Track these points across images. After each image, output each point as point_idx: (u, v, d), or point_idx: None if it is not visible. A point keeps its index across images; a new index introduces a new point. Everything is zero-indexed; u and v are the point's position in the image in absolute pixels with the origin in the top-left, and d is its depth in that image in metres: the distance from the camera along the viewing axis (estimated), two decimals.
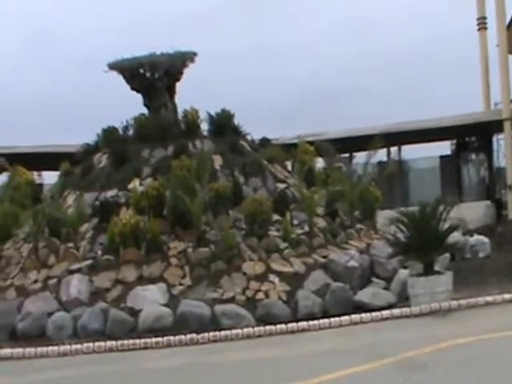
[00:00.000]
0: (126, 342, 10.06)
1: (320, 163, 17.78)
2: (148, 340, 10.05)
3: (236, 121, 16.28)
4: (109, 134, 16.00)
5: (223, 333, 10.22)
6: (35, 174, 24.12)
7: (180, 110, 16.19)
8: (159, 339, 10.03)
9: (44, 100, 48.81)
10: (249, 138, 16.60)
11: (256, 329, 10.35)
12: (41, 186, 20.65)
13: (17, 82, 51.36)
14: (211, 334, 10.17)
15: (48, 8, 56.56)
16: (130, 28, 54.08)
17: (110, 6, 55.70)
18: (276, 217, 13.33)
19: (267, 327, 10.37)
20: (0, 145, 22.62)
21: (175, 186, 12.91)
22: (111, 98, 27.39)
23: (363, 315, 10.70)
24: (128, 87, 16.17)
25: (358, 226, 14.33)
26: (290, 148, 17.43)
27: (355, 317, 10.65)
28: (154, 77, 16.02)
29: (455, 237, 13.67)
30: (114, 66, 16.08)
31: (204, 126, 16.09)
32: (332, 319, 10.61)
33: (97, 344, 10.08)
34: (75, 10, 60.04)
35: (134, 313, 11.04)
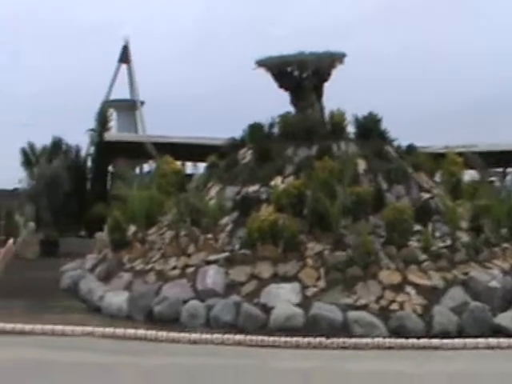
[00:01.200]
0: (254, 337, 10.10)
1: (468, 176, 17.09)
2: (277, 339, 10.02)
3: (383, 125, 15.96)
4: (254, 130, 16.16)
5: (353, 340, 10.02)
6: (187, 164, 25.13)
7: (326, 111, 16.10)
8: (288, 339, 9.98)
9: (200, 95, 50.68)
10: (395, 143, 16.19)
11: (387, 340, 10.06)
12: (191, 176, 21.30)
13: (182, 79, 53.66)
14: (341, 340, 9.98)
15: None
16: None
17: None
18: (417, 227, 12.91)
19: (399, 340, 10.05)
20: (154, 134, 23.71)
21: (316, 187, 12.85)
22: (259, 96, 27.85)
23: (501, 340, 10.12)
24: (275, 85, 16.32)
25: (504, 244, 13.56)
26: (437, 158, 16.87)
27: (492, 340, 10.08)
28: (301, 76, 16.05)
29: None
30: (262, 64, 16.24)
31: (350, 129, 15.91)
32: (467, 340, 10.11)
33: (226, 336, 10.20)
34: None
35: (267, 309, 11.07)
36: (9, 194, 28.15)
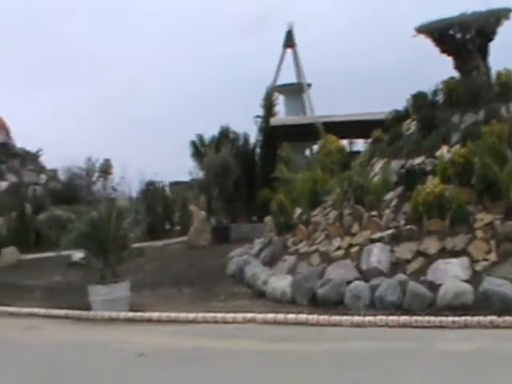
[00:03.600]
0: (420, 318, 9.47)
1: None
2: (443, 318, 9.30)
3: None
4: (418, 99, 15.35)
5: None
6: (348, 141, 24.71)
7: (493, 72, 14.91)
8: (456, 318, 9.22)
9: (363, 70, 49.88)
10: None
11: None
12: (356, 153, 20.88)
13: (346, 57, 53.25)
14: None
15: None
16: None
17: None
18: None
19: None
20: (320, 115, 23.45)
21: (484, 153, 11.86)
22: (421, 65, 26.62)
23: None
24: (437, 51, 15.38)
25: None
26: None
27: None
28: (464, 38, 14.94)
29: None
30: (422, 29, 15.35)
31: None
32: None
33: (390, 318, 9.66)
34: None
35: (434, 287, 10.35)
36: (186, 185, 29.26)
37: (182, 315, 10.92)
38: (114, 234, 12.13)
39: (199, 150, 25.07)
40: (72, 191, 32.72)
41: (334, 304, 10.90)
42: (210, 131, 26.16)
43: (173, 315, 11.00)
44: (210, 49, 69.45)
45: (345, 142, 24.84)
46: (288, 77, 37.56)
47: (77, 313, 11.86)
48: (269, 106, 26.65)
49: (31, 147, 39.27)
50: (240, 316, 10.60)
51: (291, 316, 10.29)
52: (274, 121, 26.13)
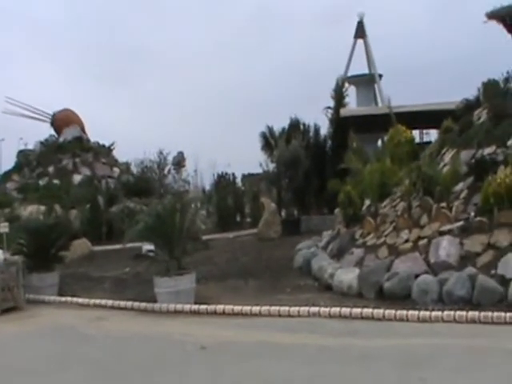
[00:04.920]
0: (489, 313, 9.17)
1: None
2: None
3: None
4: (489, 88, 14.86)
5: None
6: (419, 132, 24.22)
7: None
8: None
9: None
10: None
11: None
12: (427, 143, 20.48)
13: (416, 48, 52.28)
14: None
15: None
16: None
17: None
18: None
19: None
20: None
21: None
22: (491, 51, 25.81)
23: None
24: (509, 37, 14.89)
25: None
26: None
27: None
28: None
29: None
30: (493, 15, 14.87)
31: None
32: None
33: (458, 313, 9.40)
34: None
35: (504, 281, 10.02)
36: (258, 177, 29.31)
37: (247, 308, 10.93)
38: (179, 226, 12.22)
39: (269, 142, 25.05)
40: (144, 184, 33.27)
41: (401, 298, 10.71)
42: (281, 123, 26.16)
43: (237, 308, 11.03)
44: (280, 40, 69.58)
45: (416, 133, 24.44)
46: (359, 68, 37.34)
47: (142, 305, 12.04)
48: (339, 96, 26.42)
49: (105, 141, 40.17)
50: (304, 310, 10.54)
51: (356, 310, 10.15)
52: (344, 111, 25.90)
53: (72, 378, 8.03)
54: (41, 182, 35.99)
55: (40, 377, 8.14)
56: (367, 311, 10.07)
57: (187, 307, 11.53)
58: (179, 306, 11.57)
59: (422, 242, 11.79)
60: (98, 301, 12.80)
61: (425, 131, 27.00)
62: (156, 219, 12.38)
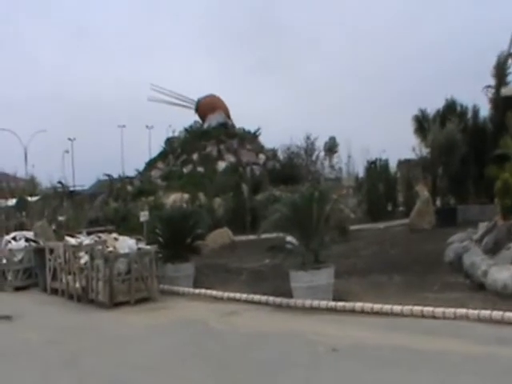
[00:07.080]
0: None
1: None
2: None
3: None
4: None
5: None
6: None
7: None
8: None
9: None
10: None
11: None
12: None
13: None
14: None
15: None
16: None
17: None
18: None
19: None
20: None
21: None
22: None
23: None
24: None
25: None
26: None
27: None
28: None
29: None
30: None
31: None
32: None
33: None
34: None
35: None
36: (414, 163, 27.79)
37: (387, 307, 10.06)
38: (316, 216, 11.47)
39: (422, 125, 23.59)
40: (290, 171, 32.61)
41: None
42: (435, 105, 24.56)
43: (377, 307, 10.19)
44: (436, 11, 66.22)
45: None
46: None
47: (277, 300, 11.49)
48: (501, 74, 24.36)
49: (250, 127, 39.98)
50: (451, 311, 9.50)
51: (509, 314, 8.95)
52: (506, 91, 23.84)
53: (187, 376, 7.68)
54: (185, 170, 36.52)
55: (158, 374, 7.84)
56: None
57: (323, 304, 10.84)
58: (315, 303, 10.91)
59: None
60: (232, 294, 12.42)
61: None
62: (291, 209, 11.73)
